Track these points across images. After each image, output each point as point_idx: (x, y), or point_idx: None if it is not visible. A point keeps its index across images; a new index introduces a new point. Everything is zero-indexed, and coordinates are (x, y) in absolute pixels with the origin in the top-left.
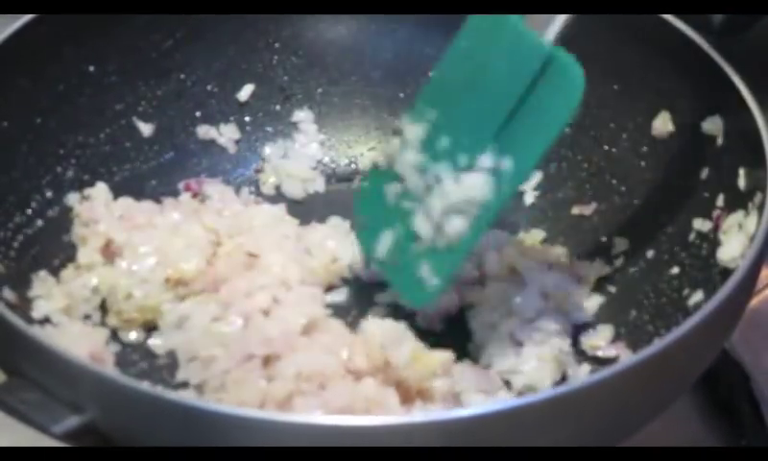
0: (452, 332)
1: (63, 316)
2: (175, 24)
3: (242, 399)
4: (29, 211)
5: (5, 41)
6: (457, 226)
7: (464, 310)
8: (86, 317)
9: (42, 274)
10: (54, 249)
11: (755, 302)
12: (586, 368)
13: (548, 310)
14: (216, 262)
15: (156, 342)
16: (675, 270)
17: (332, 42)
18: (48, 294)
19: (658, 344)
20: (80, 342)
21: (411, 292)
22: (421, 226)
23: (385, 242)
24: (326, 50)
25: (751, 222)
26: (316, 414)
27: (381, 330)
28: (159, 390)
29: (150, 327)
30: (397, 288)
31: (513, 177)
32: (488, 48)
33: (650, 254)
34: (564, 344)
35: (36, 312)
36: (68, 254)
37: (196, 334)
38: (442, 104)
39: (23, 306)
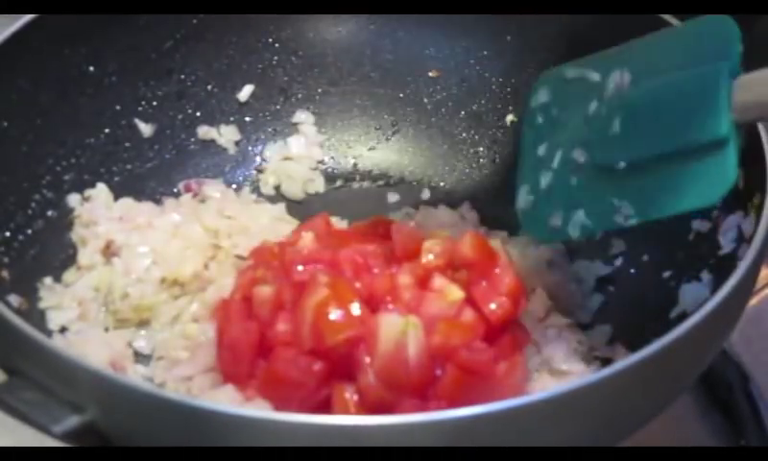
0: None
1: (80, 323)
2: (175, 24)
3: None
4: (29, 212)
5: (5, 41)
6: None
7: None
8: (100, 320)
9: (48, 281)
10: (54, 249)
11: (754, 301)
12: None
13: (553, 309)
14: (211, 265)
15: (140, 344)
16: (674, 270)
17: (332, 42)
18: (59, 304)
19: (657, 344)
20: (99, 349)
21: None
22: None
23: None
24: (326, 50)
25: (750, 222)
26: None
27: None
28: (159, 390)
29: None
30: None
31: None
32: (689, 78)
33: (649, 254)
34: (579, 336)
35: (52, 323)
36: (68, 254)
37: (169, 334)
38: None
39: (33, 314)
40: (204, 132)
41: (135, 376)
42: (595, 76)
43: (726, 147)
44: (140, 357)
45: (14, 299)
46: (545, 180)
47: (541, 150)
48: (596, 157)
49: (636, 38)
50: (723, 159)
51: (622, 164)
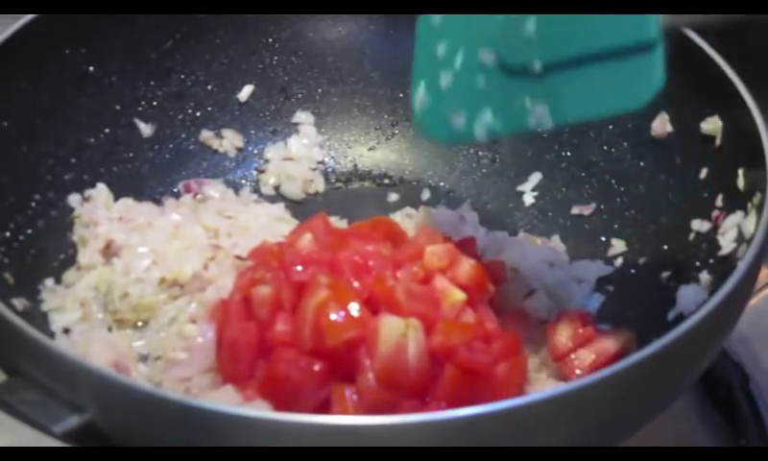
0: None
1: (83, 324)
2: (175, 24)
3: None
4: (29, 212)
5: (5, 41)
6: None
7: None
8: (103, 321)
9: (49, 283)
10: (54, 249)
11: (754, 301)
12: None
13: (555, 310)
14: (210, 265)
15: (136, 344)
16: (674, 270)
17: (332, 43)
18: (61, 306)
19: (657, 344)
20: (103, 349)
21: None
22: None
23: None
24: (326, 50)
25: (750, 222)
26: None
27: None
28: (160, 390)
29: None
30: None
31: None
32: None
33: (649, 254)
34: None
35: (55, 325)
36: (68, 254)
37: (166, 334)
38: None
39: (36, 316)
40: (205, 134)
41: (139, 376)
42: None
43: (654, 50)
44: (140, 358)
45: (18, 302)
46: (445, 79)
47: (441, 49)
48: (508, 58)
49: None
50: (651, 63)
51: (538, 66)
